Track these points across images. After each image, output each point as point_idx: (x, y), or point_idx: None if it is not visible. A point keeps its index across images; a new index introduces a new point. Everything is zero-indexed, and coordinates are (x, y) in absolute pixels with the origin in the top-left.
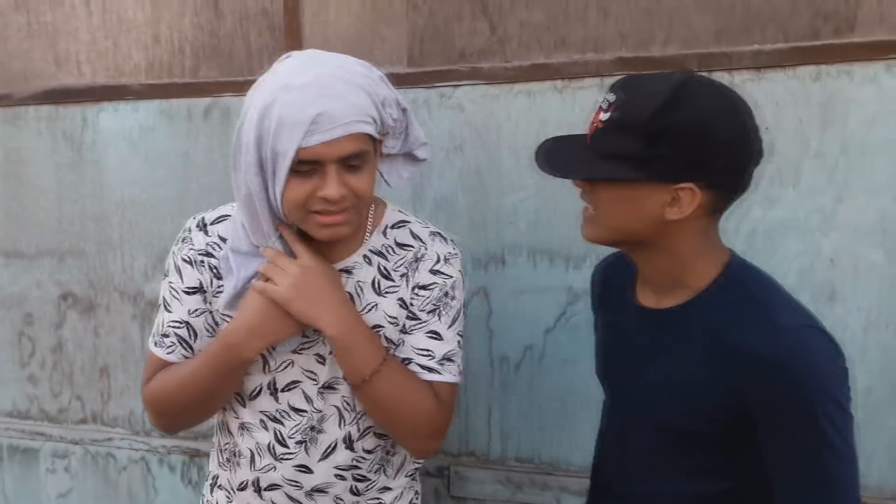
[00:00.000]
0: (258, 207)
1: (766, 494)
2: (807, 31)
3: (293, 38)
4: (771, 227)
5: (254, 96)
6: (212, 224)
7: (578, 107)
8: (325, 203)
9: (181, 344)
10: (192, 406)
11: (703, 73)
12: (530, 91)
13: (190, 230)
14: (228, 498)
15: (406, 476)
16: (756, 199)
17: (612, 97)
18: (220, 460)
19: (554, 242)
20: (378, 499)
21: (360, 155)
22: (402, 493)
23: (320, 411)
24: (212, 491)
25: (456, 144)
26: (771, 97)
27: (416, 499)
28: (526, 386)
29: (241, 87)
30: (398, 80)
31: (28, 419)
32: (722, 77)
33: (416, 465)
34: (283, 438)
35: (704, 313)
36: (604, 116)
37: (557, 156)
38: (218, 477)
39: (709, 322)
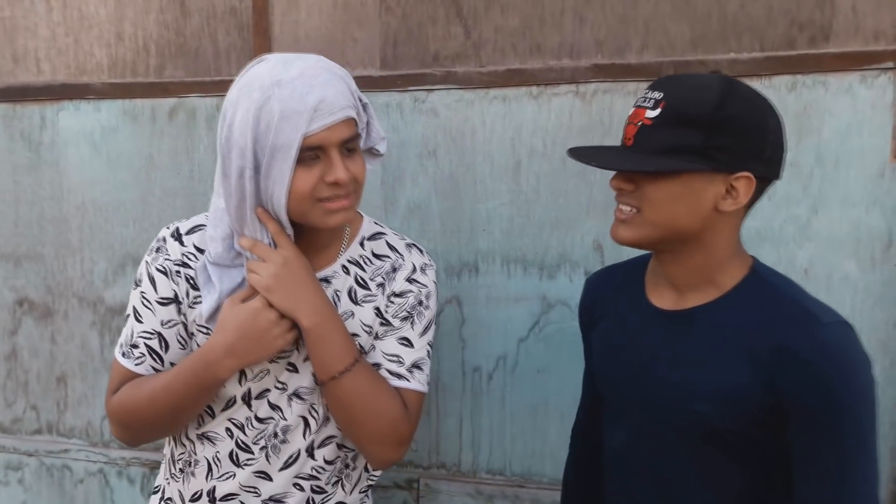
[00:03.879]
0: (248, 213)
1: (775, 496)
2: (782, 40)
3: (262, 38)
4: (746, 238)
5: (239, 102)
6: (187, 234)
7: (554, 113)
8: (333, 188)
9: (151, 355)
10: (161, 421)
11: None
12: (505, 96)
13: (164, 240)
14: None
15: (360, 492)
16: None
17: (657, 94)
18: (172, 471)
19: (528, 251)
20: None
21: (355, 139)
22: None
23: (286, 419)
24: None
25: (430, 150)
26: None
27: None
28: (498, 396)
29: (207, 88)
30: (371, 83)
31: None
32: None
33: (370, 482)
34: (248, 445)
35: (737, 312)
36: (652, 113)
37: (598, 157)
38: (164, 490)
39: (743, 320)
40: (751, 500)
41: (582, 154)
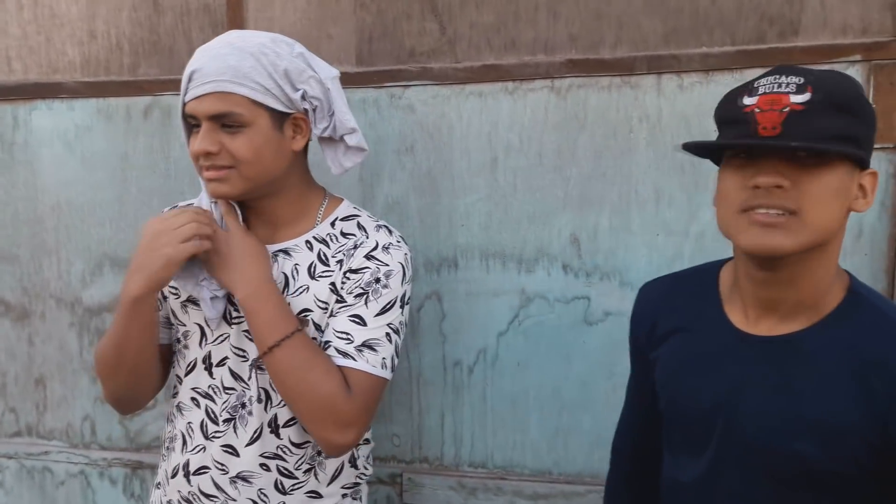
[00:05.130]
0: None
1: None
2: (753, 34)
3: None
4: (716, 231)
5: None
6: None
7: (529, 108)
8: (203, 158)
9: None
10: (112, 358)
11: (653, 76)
12: (481, 92)
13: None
14: (163, 493)
15: (342, 488)
16: (705, 200)
17: (795, 79)
18: (163, 453)
19: (506, 245)
20: None
21: (231, 115)
22: None
23: (250, 388)
24: (152, 494)
25: (407, 146)
26: (719, 100)
27: None
28: (479, 390)
29: (181, 86)
30: (347, 80)
31: None
32: (671, 79)
33: (357, 480)
34: (215, 415)
35: (842, 338)
36: (800, 98)
37: (758, 144)
38: (158, 477)
39: (849, 344)
40: None
41: (720, 144)
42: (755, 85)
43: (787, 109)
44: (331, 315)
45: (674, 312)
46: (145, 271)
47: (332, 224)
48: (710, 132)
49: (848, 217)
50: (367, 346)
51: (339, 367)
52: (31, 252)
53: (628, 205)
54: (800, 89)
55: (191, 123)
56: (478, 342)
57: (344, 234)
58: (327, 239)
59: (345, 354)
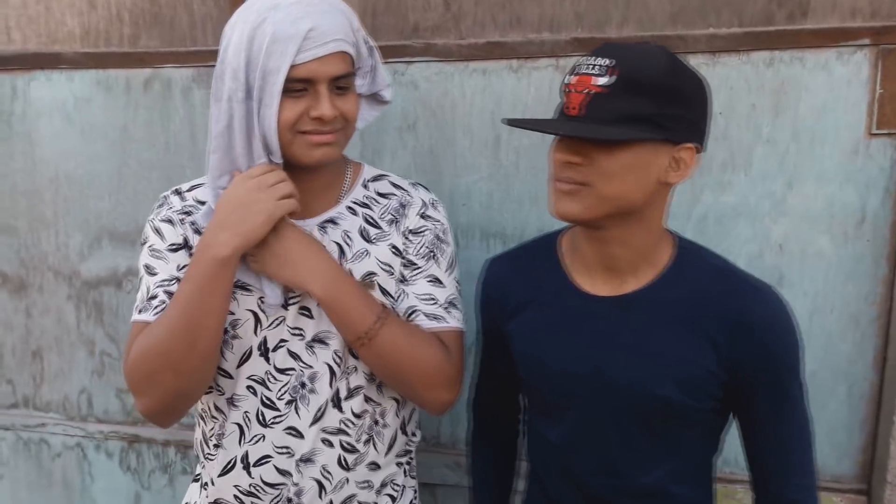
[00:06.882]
0: (237, 139)
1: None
2: (761, 16)
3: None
4: (722, 213)
5: (236, 24)
6: (187, 191)
7: (533, 87)
8: (317, 123)
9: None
10: (179, 346)
11: None
12: (485, 69)
13: (166, 197)
14: (207, 494)
15: (396, 456)
16: (708, 183)
17: (605, 61)
18: (207, 451)
19: (507, 225)
20: (367, 481)
21: (347, 76)
22: (392, 479)
23: (311, 367)
24: (199, 493)
25: (409, 123)
26: (725, 82)
27: (416, 500)
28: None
29: (183, 58)
30: None
31: None
32: None
33: (409, 447)
34: (272, 401)
35: (679, 291)
36: (603, 80)
37: (553, 126)
38: (203, 474)
39: (687, 298)
40: (705, 465)
41: (527, 123)
42: (579, 63)
43: (590, 92)
44: (402, 280)
45: (519, 286)
46: (240, 227)
47: (365, 186)
48: (716, 114)
49: (665, 187)
50: (450, 303)
51: (433, 330)
52: (28, 224)
53: None
54: (605, 71)
55: (288, 88)
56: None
57: (382, 195)
58: (367, 202)
59: (436, 318)
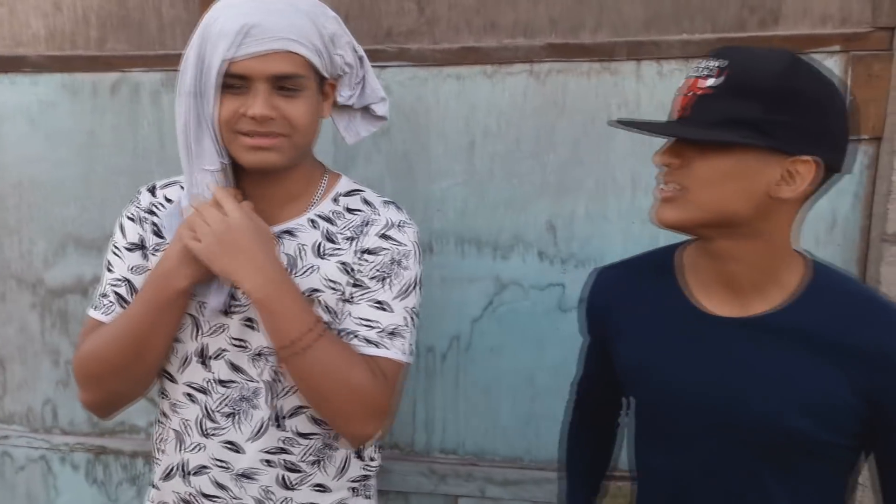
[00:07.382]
0: (192, 136)
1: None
2: (734, 22)
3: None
4: None
5: (201, 23)
6: (161, 188)
7: (508, 93)
8: (252, 123)
9: (119, 303)
10: (126, 357)
11: (632, 62)
12: (459, 75)
13: (140, 192)
14: (158, 493)
15: (350, 482)
16: None
17: (716, 63)
18: (155, 455)
19: (482, 231)
20: (313, 503)
21: (293, 78)
22: (343, 502)
23: (255, 381)
24: (149, 494)
25: (383, 128)
26: None
27: None
28: (451, 376)
29: (151, 62)
30: None
31: None
32: (651, 66)
33: (364, 472)
34: (212, 411)
35: (815, 315)
36: (710, 82)
37: (643, 126)
38: (154, 477)
39: (822, 324)
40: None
41: (633, 124)
42: (694, 65)
43: (695, 94)
44: (347, 300)
45: (628, 300)
46: (200, 263)
47: (335, 200)
48: None
49: (785, 203)
50: (394, 332)
51: (368, 356)
52: None
53: (605, 192)
54: (714, 73)
55: (229, 84)
56: (451, 328)
57: (350, 210)
58: (331, 216)
59: (373, 343)
